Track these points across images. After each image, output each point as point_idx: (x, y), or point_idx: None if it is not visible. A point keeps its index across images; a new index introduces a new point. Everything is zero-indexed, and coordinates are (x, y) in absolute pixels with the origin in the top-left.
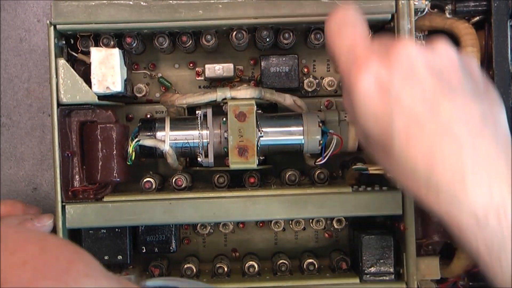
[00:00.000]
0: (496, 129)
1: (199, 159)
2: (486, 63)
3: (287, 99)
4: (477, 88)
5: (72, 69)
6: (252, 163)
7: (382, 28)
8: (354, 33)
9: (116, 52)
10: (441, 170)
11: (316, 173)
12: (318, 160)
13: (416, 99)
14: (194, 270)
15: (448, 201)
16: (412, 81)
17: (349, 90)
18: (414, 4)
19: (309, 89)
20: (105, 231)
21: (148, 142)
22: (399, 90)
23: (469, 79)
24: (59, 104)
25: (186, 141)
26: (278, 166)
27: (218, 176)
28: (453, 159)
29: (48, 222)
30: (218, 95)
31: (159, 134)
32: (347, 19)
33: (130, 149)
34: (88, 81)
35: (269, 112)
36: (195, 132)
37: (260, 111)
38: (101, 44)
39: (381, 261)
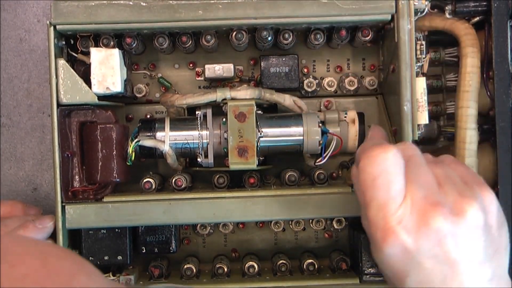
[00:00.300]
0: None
1: (199, 159)
2: (486, 63)
3: (287, 100)
4: (492, 250)
5: (72, 70)
6: (252, 163)
7: (382, 28)
8: (388, 191)
9: (116, 52)
10: None
11: (316, 174)
12: (318, 160)
13: (436, 269)
14: (194, 271)
15: None
16: (437, 256)
17: (372, 240)
18: (414, 4)
19: (309, 89)
20: (105, 231)
21: (148, 142)
22: (423, 259)
23: (488, 241)
24: (59, 105)
25: (186, 141)
26: (278, 166)
27: (218, 176)
28: None
29: (49, 224)
30: (218, 95)
31: (159, 134)
32: (385, 167)
33: (130, 150)
34: (88, 82)
35: (269, 112)
36: (195, 133)
37: (260, 112)
38: (101, 44)
39: None
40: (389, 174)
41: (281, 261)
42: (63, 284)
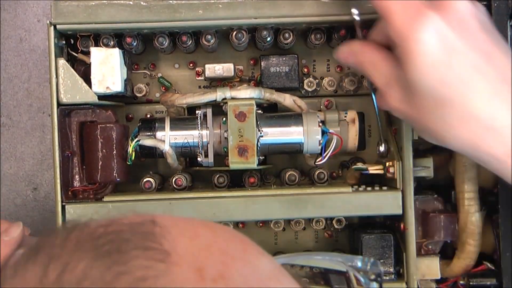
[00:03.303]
0: None
1: (199, 159)
2: None
3: (287, 99)
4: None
5: (72, 69)
6: (252, 163)
7: None
8: None
9: (116, 52)
10: (505, 115)
11: (316, 173)
12: (318, 160)
13: (473, 48)
14: None
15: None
16: (467, 32)
17: (404, 47)
18: None
19: (309, 89)
20: None
21: (148, 142)
22: (457, 40)
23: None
24: (59, 104)
25: (186, 141)
26: (278, 166)
27: (218, 176)
28: None
29: (16, 233)
30: (218, 95)
31: (159, 134)
32: None
33: (130, 149)
34: (88, 81)
35: (269, 112)
36: (195, 132)
37: (260, 111)
38: (101, 44)
39: (381, 261)
40: None
41: None
42: (241, 251)
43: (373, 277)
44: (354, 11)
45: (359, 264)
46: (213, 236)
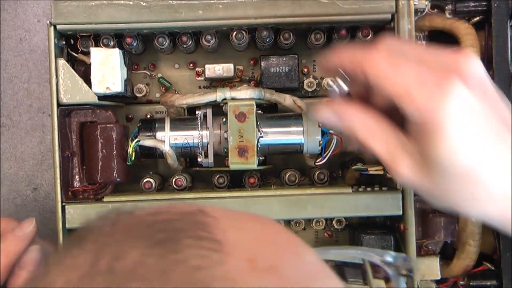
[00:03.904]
0: None
1: (199, 159)
2: (486, 63)
3: (287, 100)
4: None
5: (72, 70)
6: (252, 163)
7: (382, 28)
8: (415, 58)
9: (116, 52)
10: None
11: (316, 174)
12: (318, 160)
13: (496, 117)
14: None
15: None
16: (488, 98)
17: (429, 124)
18: (414, 4)
19: (309, 89)
20: None
21: (148, 142)
22: (482, 109)
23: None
24: (59, 104)
25: (186, 141)
26: (278, 166)
27: (218, 176)
28: None
29: (29, 229)
30: (218, 95)
31: (159, 134)
32: (395, 47)
33: (130, 150)
34: (88, 81)
35: (269, 112)
36: (195, 133)
37: (260, 112)
38: (101, 44)
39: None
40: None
41: None
42: (287, 242)
43: (404, 272)
44: (331, 83)
45: (391, 259)
46: (261, 228)
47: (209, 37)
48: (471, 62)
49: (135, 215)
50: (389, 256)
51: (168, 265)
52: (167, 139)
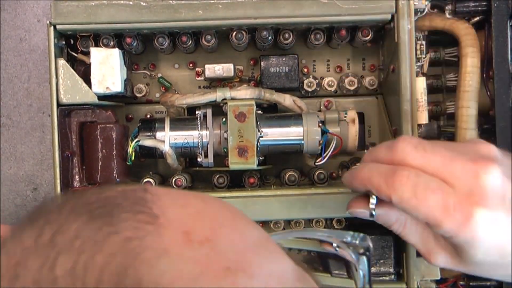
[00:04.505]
0: None
1: (199, 159)
2: (486, 63)
3: (287, 100)
4: None
5: (72, 69)
6: (251, 163)
7: (382, 28)
8: (437, 175)
9: (116, 52)
10: None
11: (316, 174)
12: (318, 160)
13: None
14: None
15: None
16: (505, 204)
17: (460, 238)
18: (414, 4)
19: (309, 89)
20: None
21: (148, 142)
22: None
23: None
24: (59, 104)
25: (186, 141)
26: (278, 166)
27: (218, 176)
28: None
29: None
30: (218, 95)
31: (159, 134)
32: (418, 180)
33: (130, 149)
34: (88, 81)
35: (269, 112)
36: (195, 133)
37: (260, 112)
38: (101, 44)
39: (381, 261)
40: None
41: None
42: (230, 219)
43: (361, 251)
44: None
45: (349, 238)
46: (203, 205)
47: (209, 37)
48: (490, 175)
49: (82, 194)
50: (348, 236)
51: (103, 236)
52: (167, 139)
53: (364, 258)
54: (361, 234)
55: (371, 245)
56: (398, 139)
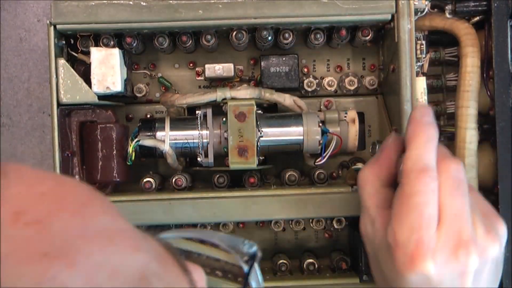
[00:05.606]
0: None
1: (199, 159)
2: (486, 63)
3: (287, 99)
4: None
5: (72, 69)
6: (252, 163)
7: (382, 28)
8: (422, 213)
9: (116, 52)
10: None
11: (316, 173)
12: (318, 160)
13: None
14: None
15: None
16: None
17: (387, 258)
18: (414, 4)
19: (309, 89)
20: None
21: (148, 142)
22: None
23: (498, 271)
24: (59, 104)
25: (186, 141)
26: (278, 166)
27: (218, 176)
28: None
29: None
30: (218, 95)
31: (159, 134)
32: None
33: (130, 149)
34: (88, 81)
35: (269, 112)
36: (195, 132)
37: (260, 111)
38: (101, 44)
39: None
40: (426, 195)
41: (281, 261)
42: (79, 205)
43: (246, 258)
44: None
45: (242, 247)
46: (54, 187)
47: (209, 37)
48: (472, 256)
49: None
50: (241, 244)
51: None
52: (167, 139)
53: (245, 266)
54: (251, 242)
55: (257, 253)
56: (459, 160)
